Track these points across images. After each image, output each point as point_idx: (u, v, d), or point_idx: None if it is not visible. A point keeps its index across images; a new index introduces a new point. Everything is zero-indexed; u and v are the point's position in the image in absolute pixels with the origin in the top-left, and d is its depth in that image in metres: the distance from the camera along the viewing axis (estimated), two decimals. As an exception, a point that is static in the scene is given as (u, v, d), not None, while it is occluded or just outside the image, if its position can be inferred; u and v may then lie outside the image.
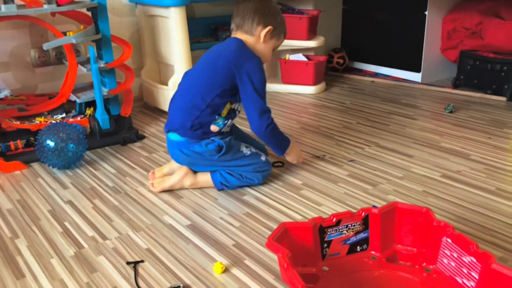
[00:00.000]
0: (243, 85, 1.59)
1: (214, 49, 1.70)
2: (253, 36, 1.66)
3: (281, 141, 1.71)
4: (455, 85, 2.86)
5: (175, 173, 1.66)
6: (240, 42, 1.64)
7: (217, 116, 1.62)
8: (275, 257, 1.24)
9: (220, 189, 1.64)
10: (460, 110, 2.47)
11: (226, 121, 1.65)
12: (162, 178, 1.68)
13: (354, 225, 1.22)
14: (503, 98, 2.60)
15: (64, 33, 2.08)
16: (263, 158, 1.68)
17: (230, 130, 1.74)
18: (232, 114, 1.67)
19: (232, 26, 1.69)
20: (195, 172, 1.67)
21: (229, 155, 1.64)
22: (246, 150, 1.67)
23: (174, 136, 1.66)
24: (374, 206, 1.46)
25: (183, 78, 1.72)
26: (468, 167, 1.79)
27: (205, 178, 1.66)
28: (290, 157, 1.76)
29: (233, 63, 1.58)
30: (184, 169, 1.66)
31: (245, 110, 1.63)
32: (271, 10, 1.67)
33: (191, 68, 1.74)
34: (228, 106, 1.63)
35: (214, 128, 1.63)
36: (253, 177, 1.65)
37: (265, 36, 1.65)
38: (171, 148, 1.69)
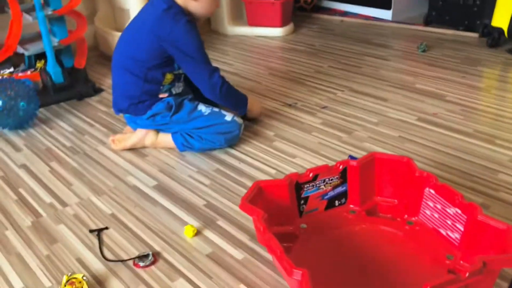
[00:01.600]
0: (176, 57, 1.44)
1: (139, 14, 1.51)
2: None
3: (238, 99, 1.57)
4: (427, 22, 2.76)
5: (136, 131, 1.54)
6: (166, 3, 1.43)
7: (160, 87, 1.50)
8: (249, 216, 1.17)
9: (182, 151, 1.52)
10: (433, 49, 2.38)
11: (171, 86, 1.52)
12: (124, 135, 1.56)
13: (331, 179, 1.15)
14: (476, 35, 2.53)
15: (3, -23, 1.86)
16: (228, 118, 1.51)
17: (184, 90, 1.57)
18: (176, 79, 1.53)
19: None
20: (157, 131, 1.55)
21: (184, 114, 1.50)
22: (205, 109, 1.51)
23: (126, 114, 1.56)
24: (350, 156, 1.40)
25: (116, 46, 1.54)
26: (444, 108, 1.73)
27: (166, 138, 1.53)
28: (252, 112, 1.64)
29: (157, 35, 1.41)
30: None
31: (190, 78, 1.50)
32: None
33: (122, 32, 1.55)
34: (168, 76, 1.49)
35: (163, 95, 1.51)
36: (213, 139, 1.49)
37: None
38: (128, 121, 1.58)
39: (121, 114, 1.60)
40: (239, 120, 1.52)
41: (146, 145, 1.54)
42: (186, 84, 1.56)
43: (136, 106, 1.50)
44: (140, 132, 1.54)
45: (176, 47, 1.41)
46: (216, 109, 1.52)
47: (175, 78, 1.52)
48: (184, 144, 1.50)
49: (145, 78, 1.46)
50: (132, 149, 1.54)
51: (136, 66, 1.46)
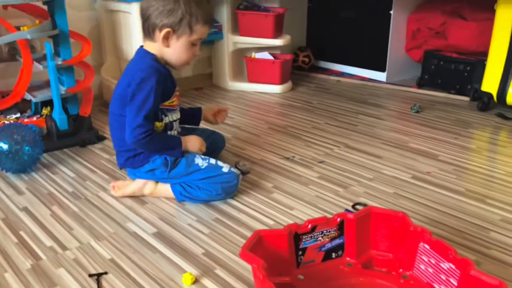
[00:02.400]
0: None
1: (123, 76, 1.55)
2: (155, 42, 1.48)
3: (165, 145, 1.53)
4: (420, 85, 2.88)
5: (136, 180, 1.58)
6: (139, 54, 1.51)
7: None
8: (247, 266, 1.19)
9: (180, 201, 1.54)
10: (426, 110, 2.48)
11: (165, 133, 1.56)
12: (124, 182, 1.59)
13: (329, 231, 1.18)
14: (467, 98, 2.64)
15: (18, 28, 1.95)
16: (225, 169, 1.53)
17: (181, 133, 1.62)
18: (168, 127, 1.56)
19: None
20: (157, 181, 1.58)
21: (182, 169, 1.52)
22: (202, 163, 1.53)
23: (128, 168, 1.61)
24: (347, 210, 1.44)
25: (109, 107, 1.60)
26: (437, 168, 1.79)
27: (165, 188, 1.56)
28: (189, 150, 1.59)
29: (129, 82, 1.46)
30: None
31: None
32: (168, 4, 1.43)
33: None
34: (158, 124, 1.52)
35: None
36: (210, 188, 1.50)
37: (165, 40, 1.46)
38: (129, 173, 1.62)
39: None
40: (236, 170, 1.56)
41: (145, 194, 1.57)
42: (183, 130, 1.60)
43: (133, 159, 1.54)
44: (140, 181, 1.57)
45: (131, 89, 1.44)
46: (212, 161, 1.55)
47: (166, 127, 1.55)
48: (182, 193, 1.53)
49: None
50: (132, 196, 1.56)
51: (124, 119, 1.48)
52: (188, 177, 1.53)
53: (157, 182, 1.57)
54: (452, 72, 2.71)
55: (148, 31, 1.48)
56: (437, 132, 2.16)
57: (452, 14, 2.83)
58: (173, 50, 1.49)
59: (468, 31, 2.69)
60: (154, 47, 1.50)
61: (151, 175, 1.55)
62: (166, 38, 1.46)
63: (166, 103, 1.52)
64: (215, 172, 1.52)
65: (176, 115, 1.58)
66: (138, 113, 1.44)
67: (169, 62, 1.52)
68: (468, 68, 2.63)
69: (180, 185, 1.53)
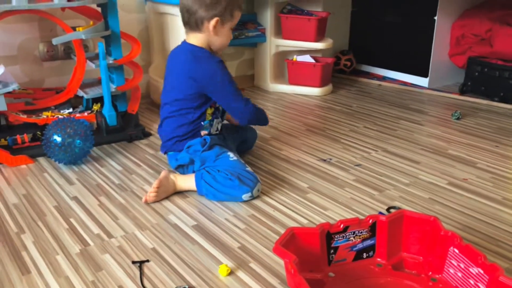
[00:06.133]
0: (211, 93, 1.64)
1: (173, 61, 1.71)
2: (203, 33, 1.63)
3: (264, 115, 1.82)
4: (462, 91, 2.85)
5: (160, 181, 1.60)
6: (190, 49, 1.64)
7: (202, 123, 1.69)
8: (280, 261, 1.24)
9: (199, 193, 1.60)
10: (467, 117, 2.46)
11: (212, 121, 1.71)
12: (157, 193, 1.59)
13: (361, 232, 1.22)
14: (510, 106, 2.59)
15: (74, 28, 2.07)
16: (249, 168, 1.63)
17: (220, 130, 1.77)
18: (216, 112, 1.72)
19: (183, 22, 1.66)
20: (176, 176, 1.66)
21: (213, 154, 1.63)
22: (232, 156, 1.65)
23: (171, 152, 1.75)
24: (380, 213, 1.46)
25: (161, 95, 1.76)
26: (474, 175, 1.79)
27: (186, 178, 1.64)
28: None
29: (194, 78, 1.62)
30: (163, 173, 1.62)
31: (228, 111, 1.71)
32: None
33: (164, 82, 1.76)
34: (209, 111, 1.69)
35: (204, 133, 1.70)
36: (228, 172, 1.57)
37: (214, 28, 1.61)
38: (169, 160, 1.76)
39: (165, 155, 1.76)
40: (259, 177, 1.63)
41: (170, 183, 1.61)
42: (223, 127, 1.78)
43: (180, 143, 1.69)
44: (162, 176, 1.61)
45: (213, 86, 1.61)
46: (241, 160, 1.67)
47: (215, 111, 1.71)
48: (203, 177, 1.58)
49: (191, 120, 1.67)
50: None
51: (181, 108, 1.66)
52: (215, 163, 1.62)
53: (176, 177, 1.63)
54: (496, 79, 2.67)
55: (196, 24, 1.62)
56: (478, 140, 2.15)
57: (498, 21, 2.78)
58: (220, 37, 1.65)
59: (515, 38, 2.64)
60: (200, 38, 1.64)
61: (186, 152, 1.67)
62: (215, 27, 1.61)
63: None
64: (239, 167, 1.61)
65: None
66: (236, 95, 1.65)
67: (213, 48, 1.67)
68: (513, 76, 2.59)
69: (204, 170, 1.61)
